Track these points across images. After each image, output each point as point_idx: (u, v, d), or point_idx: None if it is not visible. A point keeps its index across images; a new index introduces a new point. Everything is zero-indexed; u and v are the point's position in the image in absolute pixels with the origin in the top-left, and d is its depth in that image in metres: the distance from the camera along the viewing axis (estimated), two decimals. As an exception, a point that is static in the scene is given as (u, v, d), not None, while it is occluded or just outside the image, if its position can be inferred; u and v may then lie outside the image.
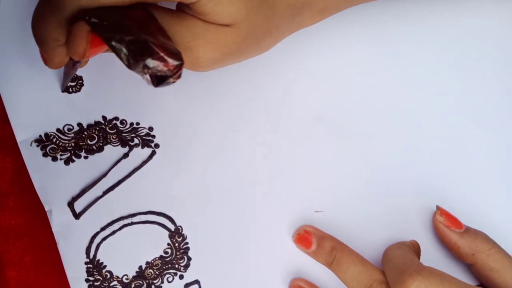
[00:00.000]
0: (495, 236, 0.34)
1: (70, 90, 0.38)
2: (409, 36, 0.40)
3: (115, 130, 0.37)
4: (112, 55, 0.36)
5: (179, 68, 0.28)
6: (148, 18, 0.29)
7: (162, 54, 0.27)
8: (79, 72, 0.38)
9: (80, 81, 0.38)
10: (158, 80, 0.28)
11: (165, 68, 0.27)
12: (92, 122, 0.37)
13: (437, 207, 0.35)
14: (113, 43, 0.27)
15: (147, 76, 0.28)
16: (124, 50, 0.27)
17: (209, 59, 0.31)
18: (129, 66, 0.27)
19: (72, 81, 0.38)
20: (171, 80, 0.28)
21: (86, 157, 0.37)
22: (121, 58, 0.27)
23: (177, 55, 0.28)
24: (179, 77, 0.28)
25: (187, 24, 0.30)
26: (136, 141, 0.37)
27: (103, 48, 0.29)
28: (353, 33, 0.39)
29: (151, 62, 0.27)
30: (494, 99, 0.39)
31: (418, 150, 0.38)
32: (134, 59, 0.27)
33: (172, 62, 0.27)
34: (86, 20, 0.28)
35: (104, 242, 0.36)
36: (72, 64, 0.33)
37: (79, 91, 0.38)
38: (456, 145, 0.38)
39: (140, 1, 0.29)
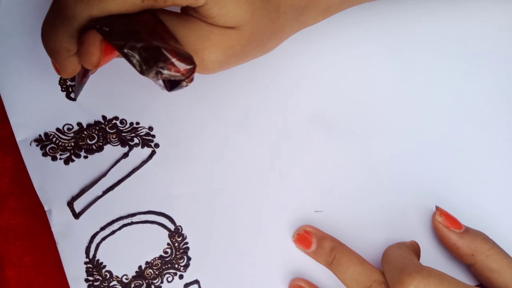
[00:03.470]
0: (495, 236, 0.34)
1: (70, 90, 0.38)
2: (409, 37, 0.40)
3: (115, 130, 0.37)
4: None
5: (191, 71, 0.28)
6: (156, 23, 0.29)
7: (174, 59, 0.27)
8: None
9: (80, 81, 0.38)
10: (172, 84, 0.28)
11: (178, 73, 0.27)
12: (92, 121, 0.37)
13: (437, 208, 0.35)
14: (126, 51, 0.27)
15: (160, 81, 0.28)
16: (137, 56, 0.27)
17: (214, 62, 0.31)
18: (142, 72, 0.27)
19: (71, 80, 0.38)
20: (184, 83, 0.28)
21: (85, 157, 0.37)
22: (133, 65, 0.27)
23: (189, 59, 0.28)
24: (191, 80, 0.28)
25: (192, 27, 0.30)
26: (136, 140, 0.37)
27: (115, 56, 0.29)
28: (356, 34, 0.39)
29: (164, 68, 0.27)
30: (494, 99, 0.39)
31: (418, 151, 0.38)
32: (146, 65, 0.27)
33: (185, 66, 0.27)
34: (97, 29, 0.28)
35: (103, 242, 0.36)
36: (84, 72, 0.33)
37: (79, 90, 0.38)
38: (456, 146, 0.38)
39: (147, 7, 0.29)
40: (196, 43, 0.30)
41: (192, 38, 0.30)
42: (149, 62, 0.27)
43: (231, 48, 0.31)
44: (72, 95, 0.37)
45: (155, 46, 0.27)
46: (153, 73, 0.27)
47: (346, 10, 0.37)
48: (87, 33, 0.28)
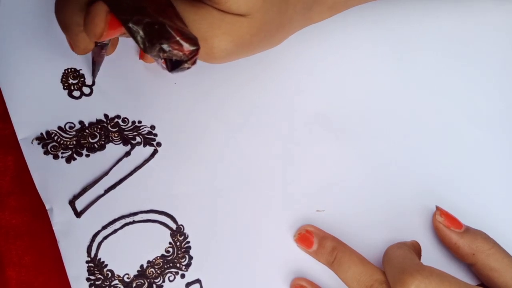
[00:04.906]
0: (495, 236, 0.34)
1: (72, 88, 0.38)
2: (411, 36, 0.40)
3: (117, 128, 0.37)
4: (115, 53, 0.37)
5: (195, 53, 0.27)
6: (167, 5, 0.29)
7: (178, 38, 0.27)
8: (80, 70, 0.38)
9: (82, 79, 0.38)
10: (173, 64, 0.28)
11: (181, 53, 0.27)
12: (94, 120, 0.37)
13: (437, 208, 0.36)
14: (130, 25, 0.27)
15: (162, 61, 0.28)
16: (141, 32, 0.27)
17: (223, 50, 0.31)
18: (145, 49, 0.27)
19: (74, 79, 0.37)
20: (186, 65, 0.28)
21: (87, 155, 0.36)
22: (137, 41, 0.27)
23: (193, 40, 0.27)
24: (194, 62, 0.28)
25: (203, 13, 0.30)
26: (138, 139, 0.37)
27: (120, 31, 0.29)
28: (358, 34, 0.39)
29: (167, 46, 0.27)
30: (494, 99, 0.39)
31: (419, 150, 0.38)
32: (150, 42, 0.27)
33: (188, 47, 0.27)
34: (105, 1, 0.28)
35: (105, 241, 0.35)
36: (99, 51, 0.33)
37: (81, 88, 0.38)
38: (457, 146, 0.38)
39: None
40: (206, 31, 0.30)
41: (203, 25, 0.30)
42: (152, 39, 0.27)
43: (241, 37, 0.31)
44: (91, 77, 0.38)
45: (160, 22, 0.27)
46: (155, 50, 0.27)
47: (349, 10, 0.37)
48: (94, 4, 0.28)
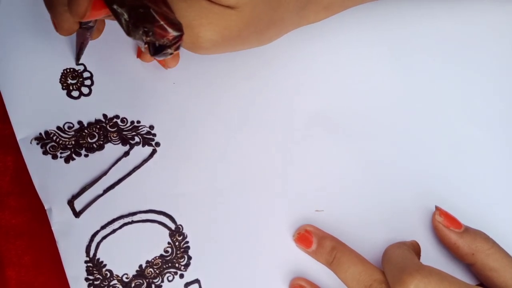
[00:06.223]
0: (495, 236, 0.34)
1: (71, 88, 0.38)
2: (410, 37, 0.40)
3: (115, 128, 0.37)
4: (113, 53, 0.37)
5: (178, 39, 0.27)
6: None
7: (162, 22, 0.27)
8: (79, 70, 0.38)
9: (81, 79, 0.38)
10: (156, 49, 0.28)
11: (164, 38, 0.27)
12: (93, 120, 0.37)
13: (436, 208, 0.35)
14: (115, 7, 0.27)
15: (145, 45, 0.27)
16: (125, 15, 0.27)
17: (209, 40, 0.31)
18: (128, 32, 0.27)
19: (73, 79, 0.38)
20: (169, 51, 0.27)
21: (86, 155, 0.37)
22: (121, 24, 0.27)
23: (177, 26, 0.27)
24: (177, 48, 0.28)
25: (191, 2, 0.30)
26: (136, 139, 0.37)
27: (104, 12, 0.29)
28: (356, 34, 0.39)
29: (150, 29, 0.27)
30: (494, 100, 0.39)
31: (419, 150, 0.38)
32: (133, 25, 0.27)
33: (172, 32, 0.27)
34: None
35: (104, 241, 0.35)
36: (84, 34, 0.32)
37: (79, 89, 0.38)
38: (456, 146, 0.38)
39: None
40: (193, 19, 0.30)
41: (190, 13, 0.30)
42: (136, 22, 0.26)
43: (228, 29, 0.31)
44: (74, 60, 0.38)
45: (145, 5, 0.27)
46: (139, 34, 0.27)
47: (347, 10, 0.37)
48: None
